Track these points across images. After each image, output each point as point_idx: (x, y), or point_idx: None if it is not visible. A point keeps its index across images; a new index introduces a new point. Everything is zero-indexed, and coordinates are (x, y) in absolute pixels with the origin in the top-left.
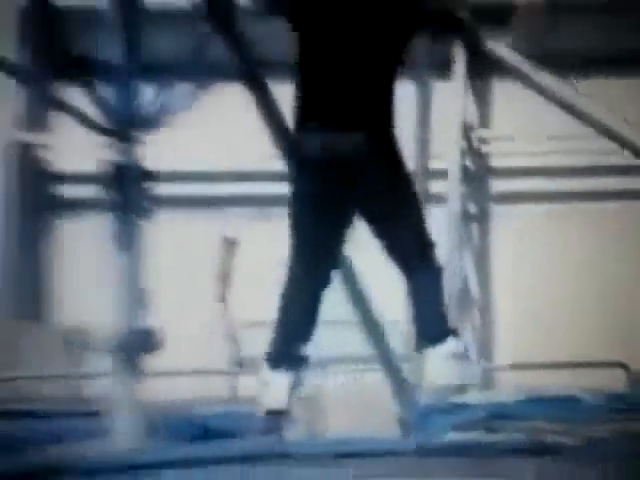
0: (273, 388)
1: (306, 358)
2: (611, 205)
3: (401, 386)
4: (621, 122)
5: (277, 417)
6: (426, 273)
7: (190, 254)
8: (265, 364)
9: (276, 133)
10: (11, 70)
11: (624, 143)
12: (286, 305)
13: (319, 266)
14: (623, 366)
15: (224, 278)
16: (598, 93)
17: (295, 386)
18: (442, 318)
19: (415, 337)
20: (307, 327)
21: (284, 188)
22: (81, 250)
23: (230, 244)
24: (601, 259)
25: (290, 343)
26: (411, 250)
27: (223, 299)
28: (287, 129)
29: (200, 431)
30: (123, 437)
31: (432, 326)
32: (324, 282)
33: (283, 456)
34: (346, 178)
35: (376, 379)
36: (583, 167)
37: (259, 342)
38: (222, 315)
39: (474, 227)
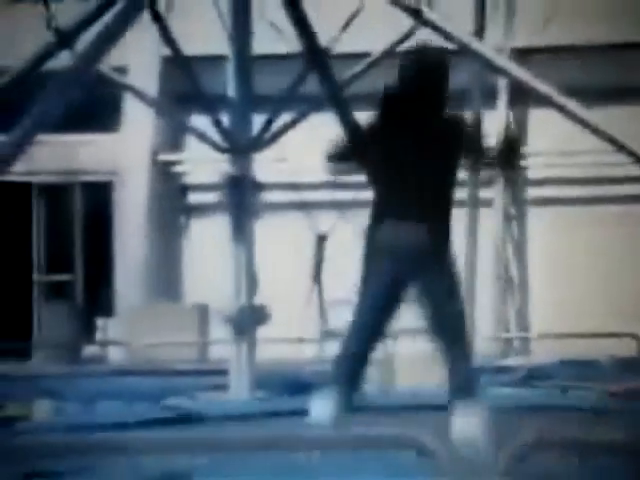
0: (321, 404)
1: (356, 389)
2: (632, 208)
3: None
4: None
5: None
6: (461, 355)
7: (291, 246)
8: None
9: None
10: (152, 103)
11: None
12: (346, 348)
13: (375, 328)
14: (635, 336)
15: (317, 265)
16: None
17: (340, 406)
18: (469, 385)
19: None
20: (360, 369)
21: (362, 194)
22: (207, 244)
23: (322, 238)
24: (619, 252)
25: (345, 377)
26: (450, 336)
27: (317, 281)
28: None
29: (297, 386)
30: (239, 390)
31: (461, 389)
32: (377, 337)
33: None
34: (408, 263)
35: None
36: (607, 177)
37: (343, 316)
38: (316, 294)
39: (514, 225)
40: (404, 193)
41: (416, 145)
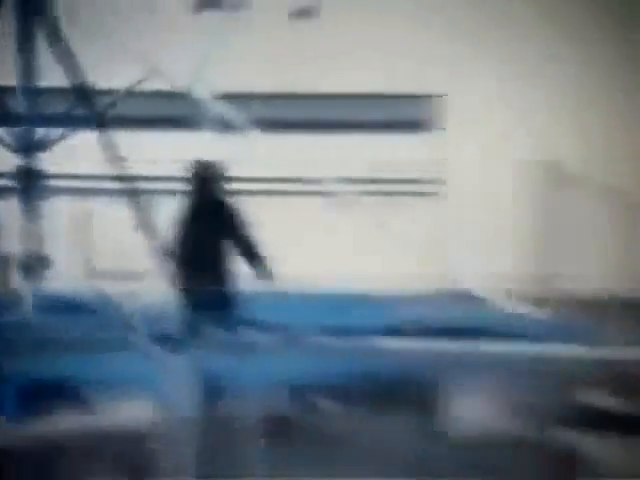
0: None
1: None
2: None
3: None
4: None
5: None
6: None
7: (67, 220)
8: None
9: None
10: None
11: None
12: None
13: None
14: None
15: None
16: None
17: None
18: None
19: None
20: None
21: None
22: (5, 221)
23: (88, 214)
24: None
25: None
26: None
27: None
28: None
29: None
30: (25, 312)
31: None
32: None
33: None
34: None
35: None
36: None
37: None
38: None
39: None
40: (194, 251)
41: (201, 222)
